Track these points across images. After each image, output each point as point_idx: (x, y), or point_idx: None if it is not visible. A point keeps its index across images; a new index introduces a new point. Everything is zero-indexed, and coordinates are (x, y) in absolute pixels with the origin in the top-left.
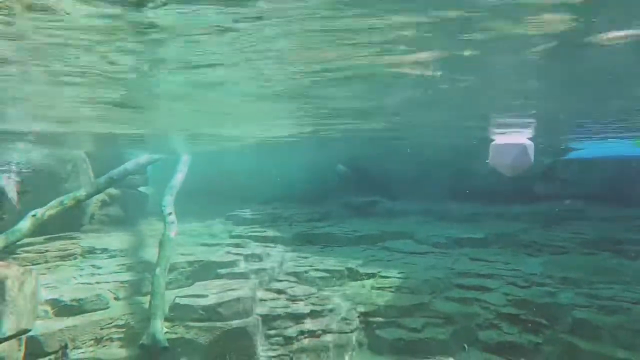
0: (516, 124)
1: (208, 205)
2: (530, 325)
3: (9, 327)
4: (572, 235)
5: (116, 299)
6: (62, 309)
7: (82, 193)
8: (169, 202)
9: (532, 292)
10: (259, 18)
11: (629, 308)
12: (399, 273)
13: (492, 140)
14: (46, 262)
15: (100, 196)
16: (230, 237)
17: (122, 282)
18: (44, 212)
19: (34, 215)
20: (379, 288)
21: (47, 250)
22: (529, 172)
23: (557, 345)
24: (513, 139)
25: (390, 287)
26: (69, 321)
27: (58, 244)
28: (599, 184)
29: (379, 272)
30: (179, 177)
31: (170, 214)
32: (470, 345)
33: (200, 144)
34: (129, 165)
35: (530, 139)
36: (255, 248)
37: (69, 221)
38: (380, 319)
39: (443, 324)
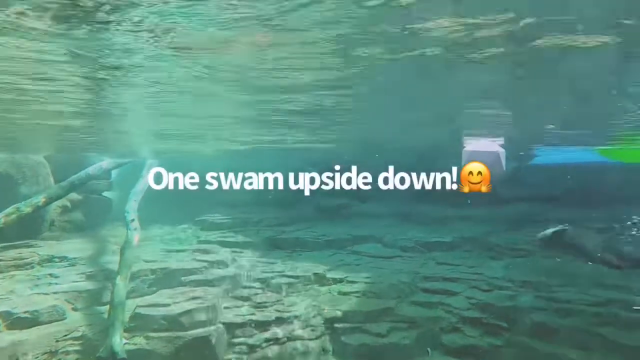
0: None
1: (175, 209)
2: (491, 328)
3: None
4: (534, 238)
5: (74, 309)
6: (15, 321)
7: (40, 199)
8: (132, 208)
9: (493, 295)
10: None
11: (584, 310)
12: (366, 278)
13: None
14: (0, 272)
15: (62, 202)
16: (197, 243)
17: (80, 291)
18: None
19: None
20: (345, 293)
21: (1, 260)
22: (497, 176)
23: (516, 348)
24: (485, 146)
25: (356, 292)
26: (21, 334)
27: (14, 252)
28: (562, 189)
29: (346, 277)
30: (143, 182)
31: (133, 220)
32: (434, 349)
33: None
34: (91, 169)
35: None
36: (221, 254)
37: (27, 228)
38: (346, 325)
39: (408, 328)
